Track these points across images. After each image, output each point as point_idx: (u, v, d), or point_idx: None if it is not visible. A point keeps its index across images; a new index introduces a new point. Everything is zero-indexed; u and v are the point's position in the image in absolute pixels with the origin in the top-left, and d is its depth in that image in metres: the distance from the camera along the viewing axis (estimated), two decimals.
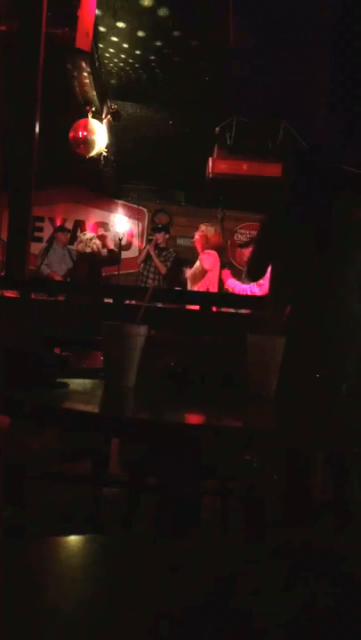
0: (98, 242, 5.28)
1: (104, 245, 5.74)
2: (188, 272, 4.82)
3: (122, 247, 6.92)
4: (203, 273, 4.65)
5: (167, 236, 6.73)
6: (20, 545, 0.55)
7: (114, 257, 5.67)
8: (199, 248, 4.70)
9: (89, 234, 5.37)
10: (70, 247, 6.32)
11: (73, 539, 0.56)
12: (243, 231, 8.66)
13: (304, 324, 1.96)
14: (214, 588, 0.49)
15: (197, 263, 4.71)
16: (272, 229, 2.18)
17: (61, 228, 7.49)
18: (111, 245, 6.02)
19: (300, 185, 2.10)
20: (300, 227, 2.02)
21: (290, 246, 2.05)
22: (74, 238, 7.55)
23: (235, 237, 8.46)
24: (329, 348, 1.93)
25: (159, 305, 3.17)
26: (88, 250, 5.24)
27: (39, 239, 7.83)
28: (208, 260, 4.66)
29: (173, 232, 7.15)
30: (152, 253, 5.11)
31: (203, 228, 4.73)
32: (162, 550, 0.57)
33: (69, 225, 8.54)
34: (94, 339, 1.82)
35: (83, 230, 7.46)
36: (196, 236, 4.73)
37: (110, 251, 5.81)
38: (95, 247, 5.31)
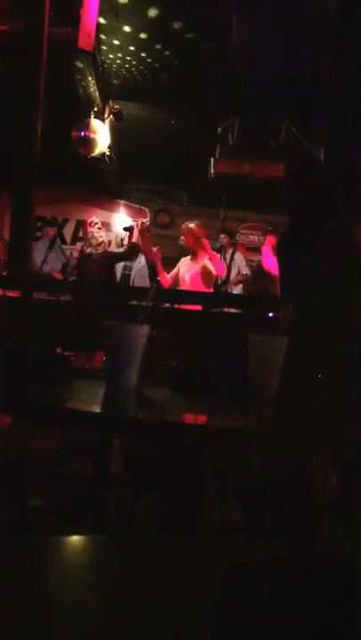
0: (105, 239, 5.23)
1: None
2: (187, 275, 4.62)
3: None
4: (210, 274, 4.57)
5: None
6: (21, 545, 0.55)
7: (134, 250, 5.45)
8: (191, 247, 4.57)
9: (98, 235, 5.27)
10: (64, 246, 6.27)
11: (73, 539, 0.56)
12: (245, 231, 8.67)
13: (306, 325, 1.96)
14: (214, 587, 0.49)
15: (198, 267, 4.58)
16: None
17: (49, 223, 7.49)
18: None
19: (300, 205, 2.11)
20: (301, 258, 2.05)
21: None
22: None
23: (237, 237, 8.46)
24: (330, 349, 1.93)
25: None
26: (100, 249, 5.19)
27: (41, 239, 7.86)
28: (219, 266, 4.62)
29: (175, 232, 7.15)
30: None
31: (187, 227, 4.60)
32: (162, 550, 0.57)
33: (71, 224, 8.56)
34: (96, 339, 1.82)
35: (85, 231, 7.42)
36: (184, 236, 4.59)
37: (131, 244, 5.59)
38: (105, 246, 5.25)
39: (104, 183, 7.90)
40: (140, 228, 5.04)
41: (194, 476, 1.16)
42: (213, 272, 4.55)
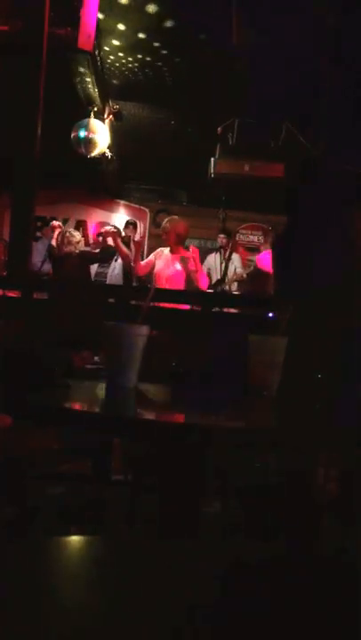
0: (80, 237, 5.28)
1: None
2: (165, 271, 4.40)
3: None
4: (194, 273, 4.40)
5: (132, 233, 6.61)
6: (21, 545, 0.55)
7: (109, 254, 5.51)
8: (172, 245, 4.38)
9: (77, 235, 5.30)
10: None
11: (73, 539, 0.56)
12: (244, 231, 8.67)
13: (306, 324, 1.96)
14: (214, 588, 0.49)
15: (178, 264, 4.35)
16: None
17: (49, 224, 7.49)
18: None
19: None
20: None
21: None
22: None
23: (237, 237, 8.46)
24: (330, 349, 1.93)
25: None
26: (77, 251, 5.21)
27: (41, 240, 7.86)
28: (203, 280, 4.43)
29: None
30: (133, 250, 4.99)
31: (167, 224, 4.41)
32: (162, 550, 0.57)
33: (71, 225, 8.56)
34: (96, 339, 1.82)
35: (85, 231, 7.41)
36: (164, 234, 4.39)
37: (105, 247, 5.62)
38: (82, 243, 5.29)
39: (104, 183, 7.90)
40: (110, 235, 5.06)
41: (194, 476, 1.16)
42: (194, 269, 4.34)
